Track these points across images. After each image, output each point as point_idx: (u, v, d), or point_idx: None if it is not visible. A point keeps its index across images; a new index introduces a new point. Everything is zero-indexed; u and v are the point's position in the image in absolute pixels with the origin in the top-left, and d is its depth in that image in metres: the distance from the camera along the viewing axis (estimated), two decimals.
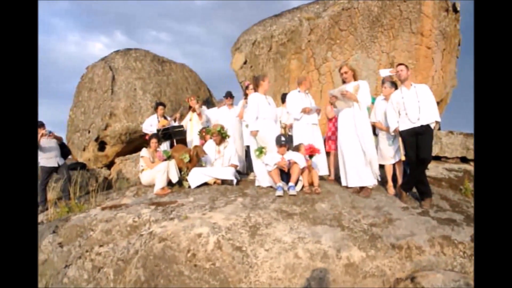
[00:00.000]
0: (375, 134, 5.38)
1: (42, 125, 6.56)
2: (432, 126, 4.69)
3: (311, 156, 5.28)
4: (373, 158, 5.01)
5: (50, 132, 6.54)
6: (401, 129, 4.79)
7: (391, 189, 5.14)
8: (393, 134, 5.04)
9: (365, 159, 4.98)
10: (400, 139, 5.08)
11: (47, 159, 6.60)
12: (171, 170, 5.64)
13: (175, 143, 7.04)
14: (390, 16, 7.94)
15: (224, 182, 5.58)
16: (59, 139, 6.87)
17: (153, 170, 5.72)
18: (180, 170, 5.83)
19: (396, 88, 5.23)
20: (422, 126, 4.61)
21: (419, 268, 3.43)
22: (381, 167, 5.26)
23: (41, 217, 6.19)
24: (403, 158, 5.09)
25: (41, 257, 4.25)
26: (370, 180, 5.01)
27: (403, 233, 3.80)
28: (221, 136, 6.07)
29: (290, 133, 6.36)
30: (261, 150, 5.40)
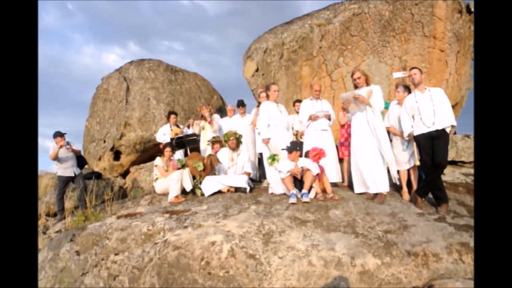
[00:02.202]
0: (389, 139, 5.33)
1: (61, 135, 6.73)
2: (448, 130, 4.61)
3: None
4: (391, 161, 4.94)
5: (68, 143, 6.71)
6: (415, 133, 4.72)
7: (406, 195, 5.07)
8: (407, 139, 4.98)
9: (383, 163, 4.92)
10: (414, 144, 5.01)
11: (64, 169, 6.77)
12: (185, 179, 5.68)
13: (189, 152, 7.11)
14: (401, 20, 7.88)
15: (237, 189, 5.59)
16: (77, 152, 7.04)
17: (167, 178, 5.77)
18: (194, 177, 5.86)
19: (409, 92, 5.17)
20: (437, 130, 4.54)
21: (437, 276, 3.35)
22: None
23: (59, 226, 6.32)
24: (418, 163, 5.02)
25: (59, 264, 4.33)
26: (384, 186, 4.95)
27: (419, 240, 3.74)
28: (237, 140, 6.10)
29: (302, 140, 6.36)
30: (273, 158, 5.42)
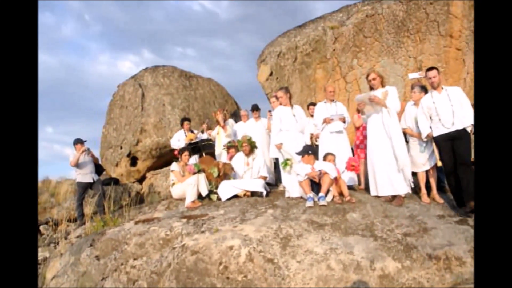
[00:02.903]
0: (406, 141, 5.25)
1: (82, 142, 6.91)
2: (469, 129, 4.50)
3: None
4: (405, 164, 4.86)
5: (88, 149, 6.92)
6: (435, 134, 4.63)
7: (425, 197, 4.97)
8: (425, 140, 4.90)
9: (397, 166, 4.85)
10: (433, 144, 4.93)
11: (83, 175, 6.92)
12: (201, 183, 5.71)
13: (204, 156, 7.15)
14: (416, 19, 7.79)
15: (254, 194, 5.59)
16: (95, 159, 7.22)
17: (184, 183, 5.81)
18: (209, 183, 5.89)
19: (426, 92, 5.10)
20: (457, 130, 4.44)
21: (461, 281, 3.26)
22: (414, 174, 5.10)
23: (79, 231, 6.44)
24: (439, 163, 4.92)
25: (80, 269, 4.40)
26: (402, 188, 4.87)
27: (440, 243, 3.66)
28: (251, 146, 6.12)
29: (317, 143, 6.33)
30: (286, 163, 5.41)
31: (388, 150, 4.89)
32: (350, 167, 5.24)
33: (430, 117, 4.69)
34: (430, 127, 4.70)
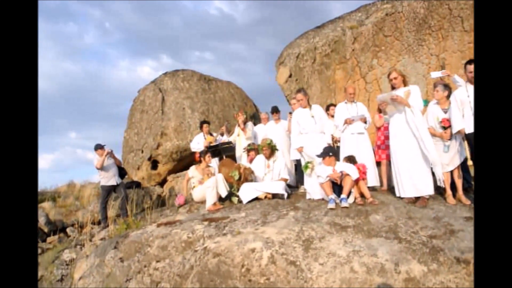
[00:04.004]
0: None
1: (101, 147, 7.07)
2: None
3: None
4: (437, 162, 4.71)
5: (112, 151, 7.10)
6: (467, 131, 4.48)
7: (450, 198, 4.83)
8: (459, 135, 4.73)
9: (426, 165, 4.73)
10: (457, 143, 4.79)
11: (107, 178, 7.07)
12: (220, 185, 5.70)
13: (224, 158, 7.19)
14: (438, 16, 7.63)
15: (275, 196, 5.57)
16: (118, 162, 7.38)
17: (203, 186, 5.84)
18: (231, 186, 5.89)
19: (449, 91, 4.96)
20: None
21: None
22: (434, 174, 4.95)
23: (103, 234, 6.57)
24: (470, 162, 4.77)
25: (105, 270, 4.50)
26: (426, 189, 4.75)
27: (469, 246, 3.53)
28: (271, 149, 6.10)
29: (338, 145, 6.26)
30: (307, 166, 5.38)
31: (413, 150, 4.77)
32: (362, 174, 5.15)
33: (463, 113, 4.53)
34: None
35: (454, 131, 4.65)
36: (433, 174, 4.86)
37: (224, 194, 5.73)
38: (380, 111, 5.90)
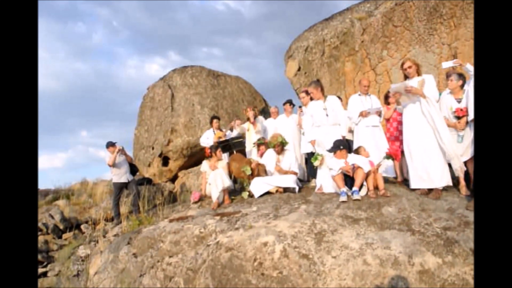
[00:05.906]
0: None
1: (113, 144, 7.15)
2: None
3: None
4: (454, 153, 4.62)
5: (123, 148, 7.18)
6: None
7: (464, 189, 4.74)
8: (472, 124, 4.65)
9: (443, 156, 4.65)
10: (471, 133, 4.70)
11: (119, 175, 7.15)
12: (218, 179, 5.59)
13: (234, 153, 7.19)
14: (450, 4, 7.45)
15: (286, 190, 5.56)
16: (129, 159, 7.46)
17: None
18: (237, 180, 5.86)
19: (464, 80, 4.87)
20: None
21: None
22: (450, 166, 4.88)
23: (116, 230, 6.65)
24: None
25: (119, 266, 4.55)
26: (440, 180, 4.67)
27: None
28: (283, 146, 6.08)
29: (348, 138, 6.20)
30: (316, 157, 5.33)
31: (428, 141, 4.68)
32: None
33: None
34: None
35: (470, 119, 4.57)
36: (449, 165, 4.79)
37: (227, 184, 5.63)
38: (388, 103, 5.82)
